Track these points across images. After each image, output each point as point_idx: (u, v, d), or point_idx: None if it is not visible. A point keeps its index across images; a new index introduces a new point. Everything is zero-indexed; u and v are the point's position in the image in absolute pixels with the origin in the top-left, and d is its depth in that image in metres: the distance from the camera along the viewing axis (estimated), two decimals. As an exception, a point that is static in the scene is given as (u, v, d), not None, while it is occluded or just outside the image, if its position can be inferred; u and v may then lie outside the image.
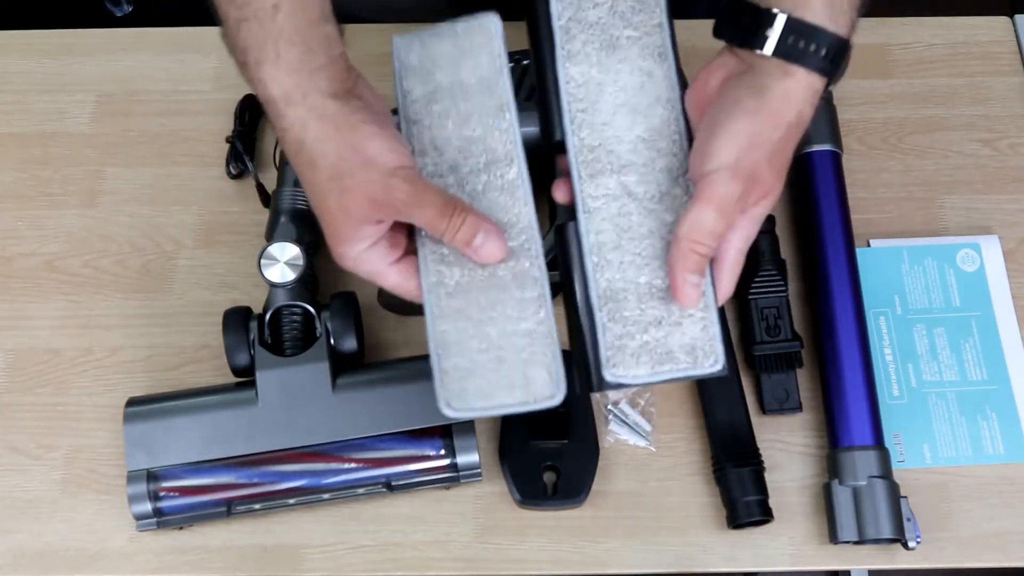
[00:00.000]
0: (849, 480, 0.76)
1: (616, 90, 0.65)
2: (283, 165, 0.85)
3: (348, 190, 0.59)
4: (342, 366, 0.77)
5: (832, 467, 0.77)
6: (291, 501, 0.77)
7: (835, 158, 0.86)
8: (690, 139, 0.63)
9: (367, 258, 0.62)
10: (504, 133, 0.64)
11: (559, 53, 0.65)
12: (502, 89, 0.65)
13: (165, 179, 0.91)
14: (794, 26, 0.57)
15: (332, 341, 0.77)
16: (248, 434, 0.75)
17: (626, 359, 0.60)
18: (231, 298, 0.86)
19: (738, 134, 0.58)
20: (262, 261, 0.77)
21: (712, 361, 0.60)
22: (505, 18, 0.66)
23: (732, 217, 0.59)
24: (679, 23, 0.66)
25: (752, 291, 0.81)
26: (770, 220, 0.83)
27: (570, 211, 0.64)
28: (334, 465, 0.76)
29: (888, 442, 0.78)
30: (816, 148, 0.86)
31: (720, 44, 0.62)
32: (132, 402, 0.77)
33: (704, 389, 0.80)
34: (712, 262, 0.61)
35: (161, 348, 0.84)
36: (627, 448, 0.80)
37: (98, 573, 0.77)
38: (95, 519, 0.79)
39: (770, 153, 0.58)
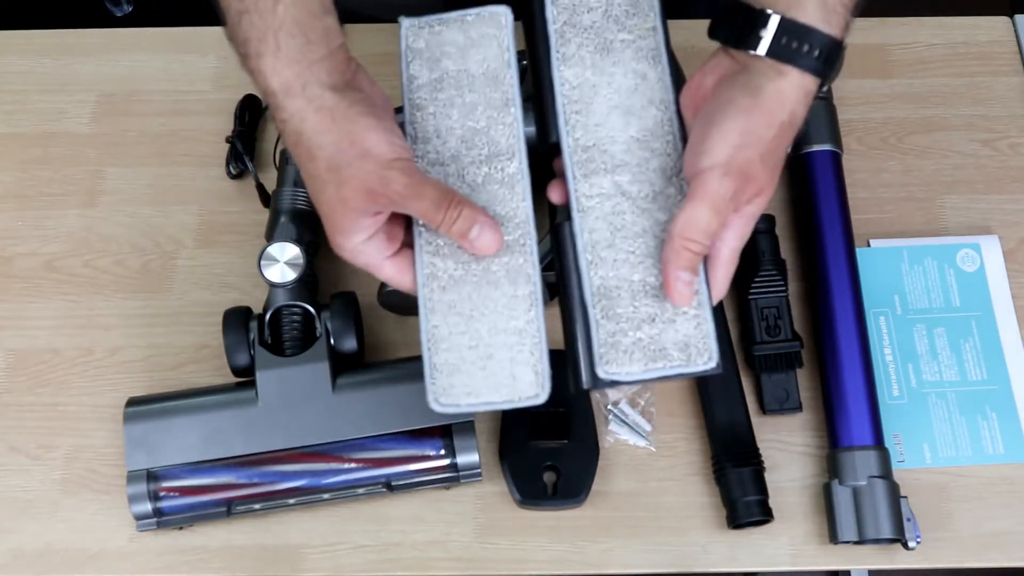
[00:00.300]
0: (849, 480, 0.76)
1: (610, 92, 0.65)
2: (283, 165, 0.85)
3: (345, 181, 0.60)
4: (342, 366, 0.77)
5: (832, 467, 0.77)
6: (291, 501, 0.77)
7: (835, 158, 0.86)
8: (684, 139, 0.63)
9: (364, 250, 0.63)
10: (508, 127, 0.65)
11: (554, 56, 0.66)
12: (509, 82, 0.66)
13: (165, 179, 0.91)
14: (787, 27, 0.58)
15: (332, 341, 0.77)
16: (248, 434, 0.75)
17: (619, 356, 0.60)
18: (231, 298, 0.86)
19: (731, 132, 0.58)
20: (262, 261, 0.77)
21: (706, 359, 0.60)
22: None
23: (725, 215, 0.59)
24: (679, 23, 0.66)
25: (752, 291, 0.81)
26: (770, 220, 0.83)
27: (566, 211, 0.64)
28: (334, 465, 0.76)
29: (888, 442, 0.78)
30: (816, 148, 0.86)
31: (716, 45, 0.62)
32: (132, 402, 0.77)
33: (704, 389, 0.80)
34: (706, 260, 0.61)
35: (161, 348, 0.84)
36: (627, 448, 0.80)
37: (98, 573, 0.77)
38: (95, 519, 0.79)
39: (763, 151, 0.58)
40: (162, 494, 0.75)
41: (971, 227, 0.88)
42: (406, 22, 0.69)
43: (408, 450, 0.76)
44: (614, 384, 0.61)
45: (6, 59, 0.97)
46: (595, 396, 0.81)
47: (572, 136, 0.64)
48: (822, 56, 0.58)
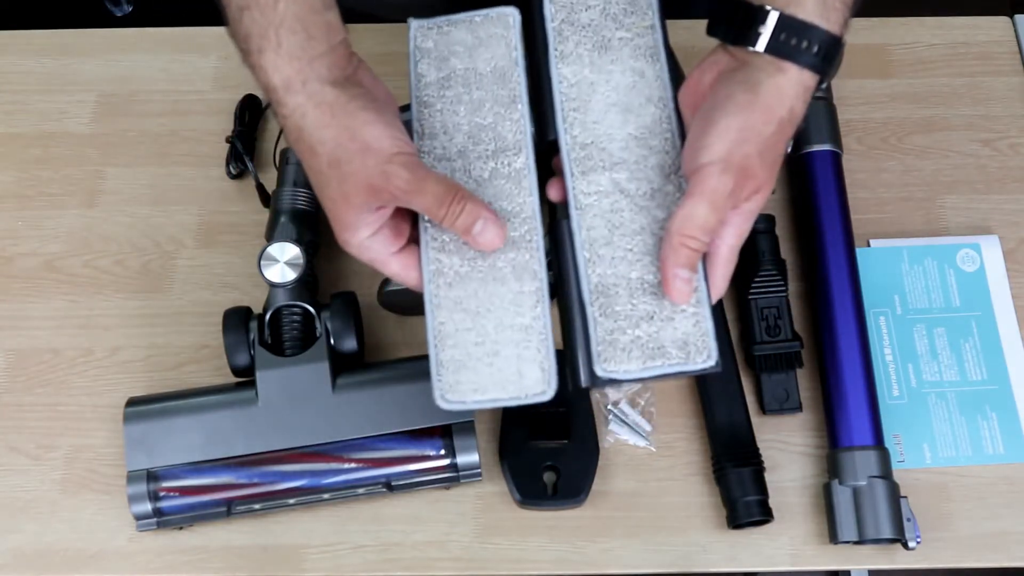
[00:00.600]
0: (849, 480, 0.76)
1: (608, 89, 0.65)
2: (283, 165, 0.85)
3: (347, 177, 0.60)
4: (342, 366, 0.77)
5: (832, 467, 0.77)
6: (291, 501, 0.77)
7: (835, 158, 0.86)
8: (683, 137, 0.63)
9: (370, 246, 0.63)
10: (515, 123, 0.65)
11: (552, 54, 0.66)
12: (516, 80, 0.66)
13: (165, 179, 0.91)
14: (786, 23, 0.58)
15: (332, 341, 0.77)
16: (248, 434, 0.75)
17: (617, 354, 0.60)
18: (231, 298, 0.86)
19: (730, 129, 0.58)
20: (262, 261, 0.77)
21: (705, 356, 0.60)
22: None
23: (724, 211, 0.58)
24: (678, 23, 0.66)
25: (752, 291, 0.81)
26: (770, 220, 0.83)
27: (564, 209, 0.64)
28: (334, 465, 0.76)
29: (888, 442, 0.78)
30: (816, 148, 0.86)
31: (716, 44, 0.62)
32: (132, 402, 0.77)
33: (704, 389, 0.80)
34: (705, 258, 0.61)
35: (161, 348, 0.84)
36: (627, 448, 0.80)
37: (98, 573, 0.77)
38: (95, 519, 0.79)
39: (762, 147, 0.58)
40: (162, 494, 0.75)
41: (971, 227, 0.88)
42: (415, 23, 0.69)
43: (408, 450, 0.76)
44: (613, 382, 0.60)
45: (6, 59, 0.97)
46: (595, 396, 0.81)
47: (570, 134, 0.64)
48: (821, 52, 0.58)
